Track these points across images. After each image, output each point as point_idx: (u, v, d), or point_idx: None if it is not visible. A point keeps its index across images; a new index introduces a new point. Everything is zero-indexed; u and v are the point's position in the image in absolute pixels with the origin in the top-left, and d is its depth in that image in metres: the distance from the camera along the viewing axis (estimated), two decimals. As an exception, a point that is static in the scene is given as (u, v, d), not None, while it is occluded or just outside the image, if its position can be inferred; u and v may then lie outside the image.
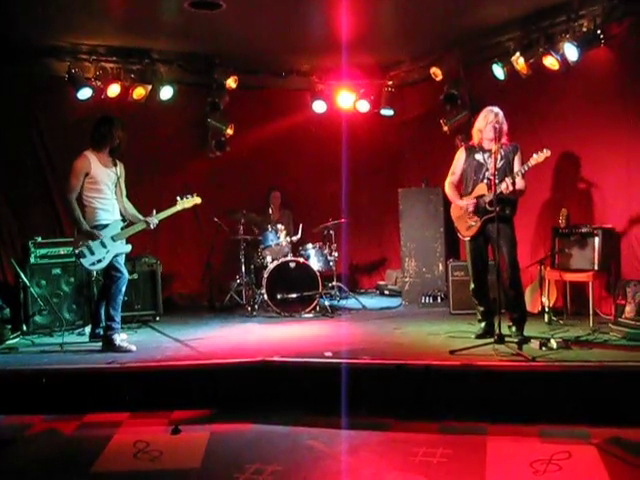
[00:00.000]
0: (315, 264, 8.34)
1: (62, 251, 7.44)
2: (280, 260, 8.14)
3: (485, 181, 6.03)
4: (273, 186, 9.57)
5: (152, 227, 6.48)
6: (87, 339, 6.73)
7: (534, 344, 5.60)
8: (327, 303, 8.33)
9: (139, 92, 8.40)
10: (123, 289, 6.37)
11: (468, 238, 6.18)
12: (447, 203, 6.68)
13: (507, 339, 5.54)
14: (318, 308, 8.15)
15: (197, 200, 6.75)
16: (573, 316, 6.99)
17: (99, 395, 5.24)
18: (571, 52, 6.97)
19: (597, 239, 6.79)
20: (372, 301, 9.27)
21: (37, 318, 7.20)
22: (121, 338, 6.31)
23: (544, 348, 5.48)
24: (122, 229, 6.36)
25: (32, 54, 7.86)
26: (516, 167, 5.95)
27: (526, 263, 7.08)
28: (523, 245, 7.16)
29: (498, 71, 7.88)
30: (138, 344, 6.36)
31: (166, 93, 8.57)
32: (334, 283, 8.88)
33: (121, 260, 6.37)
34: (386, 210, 9.95)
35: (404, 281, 8.92)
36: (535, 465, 3.89)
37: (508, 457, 4.07)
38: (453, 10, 7.28)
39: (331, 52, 8.53)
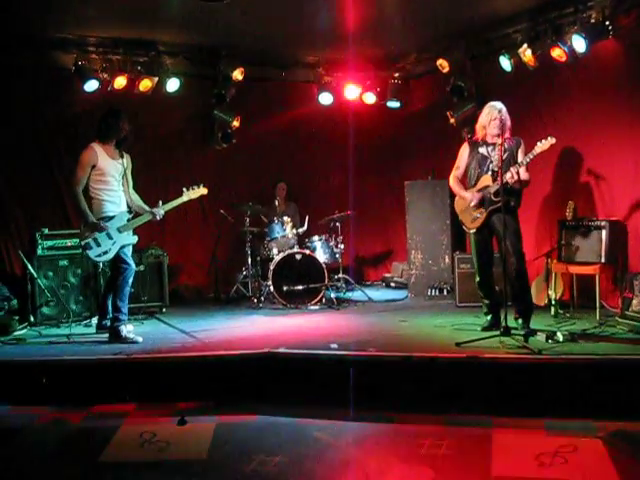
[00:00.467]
0: (321, 256, 8.34)
1: (69, 243, 7.45)
2: (286, 252, 8.14)
3: (489, 173, 6.02)
4: (279, 178, 9.57)
5: (158, 218, 6.49)
6: (94, 330, 6.76)
7: (540, 337, 5.59)
8: (333, 295, 8.33)
9: (145, 84, 8.40)
10: (130, 280, 6.38)
11: (473, 230, 6.17)
12: (453, 196, 6.67)
13: (513, 331, 5.53)
14: (324, 300, 8.15)
15: (203, 191, 6.75)
16: (580, 309, 6.96)
17: (106, 386, 5.26)
18: (579, 44, 6.93)
19: (604, 232, 6.76)
20: (378, 293, 9.27)
21: (44, 309, 7.22)
22: (128, 329, 6.33)
23: (550, 341, 5.48)
24: (128, 220, 6.37)
25: (39, 46, 7.85)
26: (520, 160, 5.93)
27: (533, 256, 7.07)
28: (529, 238, 7.17)
29: (505, 63, 7.85)
30: (144, 335, 6.39)
31: (172, 85, 8.57)
32: (340, 275, 8.88)
33: (128, 252, 6.38)
34: (392, 202, 9.96)
35: (410, 273, 8.91)
36: (541, 458, 3.89)
37: (514, 450, 4.07)
38: (460, 1, 7.24)
39: (337, 44, 8.51)
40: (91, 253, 6.21)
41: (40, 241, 7.35)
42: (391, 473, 3.88)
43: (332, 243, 8.62)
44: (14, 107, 7.92)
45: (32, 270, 7.15)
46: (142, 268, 7.71)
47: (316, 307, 8.02)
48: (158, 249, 8.09)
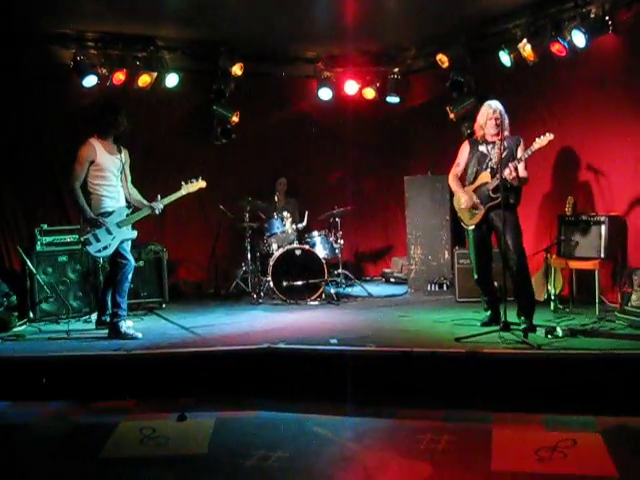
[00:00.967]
0: (321, 251, 8.34)
1: (68, 238, 7.45)
2: (286, 247, 8.14)
3: (488, 170, 6.01)
4: (279, 173, 9.57)
5: (157, 212, 6.48)
6: (93, 326, 6.76)
7: (540, 332, 5.60)
8: (333, 290, 8.33)
9: (144, 79, 8.39)
10: (129, 276, 6.38)
11: (472, 227, 6.16)
12: (452, 192, 6.66)
13: (513, 327, 5.53)
14: (324, 295, 8.15)
15: (202, 184, 6.73)
16: (579, 304, 6.96)
17: (106, 382, 5.25)
18: (579, 39, 6.92)
19: (603, 227, 6.76)
20: (378, 289, 9.27)
21: (43, 305, 7.22)
22: (127, 325, 6.34)
23: (550, 336, 5.50)
24: (127, 215, 6.37)
25: (37, 41, 7.84)
26: (519, 156, 5.92)
27: (532, 251, 7.05)
28: (529, 233, 7.16)
29: (505, 58, 7.84)
30: (144, 331, 6.38)
31: (171, 80, 8.56)
32: (340, 270, 8.89)
33: (127, 247, 6.38)
34: (392, 198, 9.95)
35: (410, 269, 8.91)
36: (540, 453, 3.89)
37: (513, 445, 4.07)
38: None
39: (337, 39, 8.51)
40: (91, 249, 6.20)
41: (39, 237, 7.34)
42: (390, 468, 3.88)
43: (332, 238, 8.62)
44: (13, 102, 7.89)
45: (31, 266, 7.14)
46: (141, 264, 7.73)
47: (316, 302, 8.02)
48: (157, 245, 8.09)
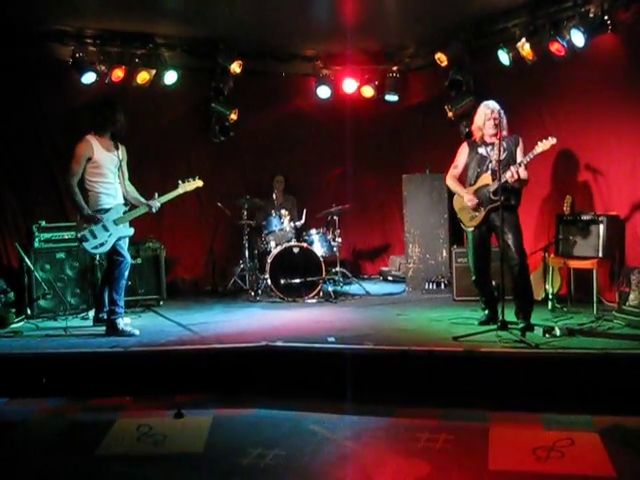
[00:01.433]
0: (319, 249, 8.33)
1: (66, 235, 7.43)
2: (284, 245, 8.14)
3: (489, 172, 6.00)
4: (277, 171, 9.56)
5: (154, 210, 6.47)
6: (91, 323, 6.74)
7: (538, 331, 5.61)
8: (330, 289, 8.34)
9: (143, 77, 8.38)
10: (126, 273, 6.37)
11: (471, 228, 6.16)
12: (451, 191, 6.64)
13: (510, 326, 5.53)
14: (321, 293, 8.15)
15: (199, 183, 6.72)
16: (577, 303, 6.97)
17: (103, 379, 5.25)
18: (577, 38, 6.93)
19: (602, 226, 6.75)
20: (375, 287, 9.27)
21: (41, 302, 7.21)
22: (125, 322, 6.33)
23: (547, 335, 5.50)
24: (124, 213, 6.35)
25: (36, 38, 7.82)
26: (519, 158, 5.91)
27: (530, 250, 7.02)
28: (527, 232, 7.12)
29: (503, 57, 7.84)
30: (141, 328, 6.38)
31: (170, 78, 8.55)
32: (337, 269, 8.89)
33: (124, 244, 6.36)
34: (390, 196, 9.96)
35: (407, 267, 8.90)
36: (537, 452, 3.89)
37: (510, 444, 4.07)
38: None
39: (336, 37, 8.50)
40: (87, 245, 6.18)
41: (37, 233, 7.33)
42: (388, 467, 3.88)
43: (330, 236, 8.61)
44: (11, 99, 7.88)
45: (29, 263, 7.13)
46: (139, 261, 7.72)
47: (313, 300, 8.02)
48: (155, 242, 8.08)
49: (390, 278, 9.80)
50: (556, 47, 7.18)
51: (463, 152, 6.26)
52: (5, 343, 6.06)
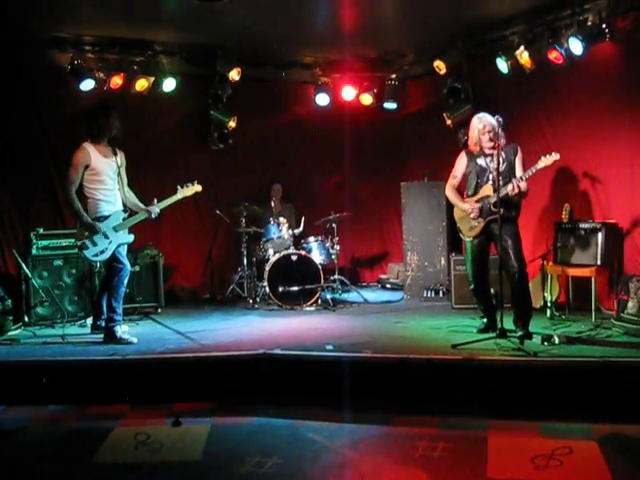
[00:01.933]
0: (317, 257, 8.33)
1: (64, 242, 7.42)
2: (282, 253, 8.13)
3: (490, 182, 5.99)
4: (274, 179, 9.56)
5: (154, 216, 6.47)
6: (89, 331, 6.73)
7: (536, 339, 5.60)
8: (329, 296, 8.33)
9: (142, 84, 8.38)
10: (125, 281, 6.36)
11: (470, 238, 6.15)
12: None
13: (509, 334, 5.53)
14: (320, 301, 8.14)
15: (197, 188, 6.72)
16: (575, 311, 6.96)
17: (100, 387, 5.24)
18: (576, 46, 6.94)
19: (600, 234, 6.76)
20: (374, 295, 9.26)
21: (39, 309, 7.20)
22: (122, 330, 6.32)
23: (546, 343, 5.50)
24: (124, 219, 6.35)
25: (35, 45, 7.82)
26: (518, 168, 5.91)
27: (529, 258, 7.03)
28: (526, 240, 7.11)
29: (502, 65, 7.85)
30: (139, 336, 6.37)
31: (169, 85, 8.55)
32: (336, 276, 8.88)
33: (123, 251, 6.36)
34: (388, 203, 9.96)
35: (406, 275, 8.90)
36: (536, 460, 3.89)
37: (509, 452, 4.06)
38: (457, 3, 7.22)
39: (335, 45, 8.51)
40: (88, 253, 6.18)
41: (35, 241, 7.32)
42: (386, 475, 3.87)
43: (328, 244, 8.60)
44: (9, 106, 7.87)
45: (26, 270, 7.12)
46: (137, 268, 7.70)
47: (312, 308, 8.01)
48: (153, 249, 8.08)
49: (388, 286, 9.79)
50: (554, 55, 7.20)
51: (461, 162, 6.25)
52: (2, 350, 6.05)
